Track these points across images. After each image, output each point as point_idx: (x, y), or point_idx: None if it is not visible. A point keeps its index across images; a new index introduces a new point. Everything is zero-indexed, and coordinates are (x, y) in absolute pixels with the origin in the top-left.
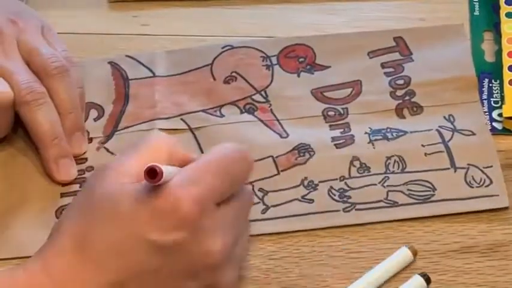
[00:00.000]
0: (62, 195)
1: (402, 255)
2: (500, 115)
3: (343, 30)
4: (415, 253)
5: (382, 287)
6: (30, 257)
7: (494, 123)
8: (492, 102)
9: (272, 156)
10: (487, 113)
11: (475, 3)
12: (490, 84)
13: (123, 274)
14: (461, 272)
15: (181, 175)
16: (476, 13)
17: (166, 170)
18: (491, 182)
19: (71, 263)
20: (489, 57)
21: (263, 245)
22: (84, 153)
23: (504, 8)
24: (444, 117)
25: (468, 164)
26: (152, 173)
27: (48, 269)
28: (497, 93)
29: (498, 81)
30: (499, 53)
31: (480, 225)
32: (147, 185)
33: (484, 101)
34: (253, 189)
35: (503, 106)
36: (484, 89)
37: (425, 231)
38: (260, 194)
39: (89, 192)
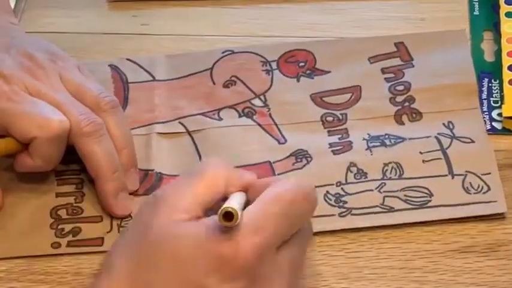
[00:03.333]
0: (57, 195)
1: None
2: (499, 115)
3: (343, 30)
4: None
5: None
6: (22, 257)
7: (493, 123)
8: (492, 101)
9: (269, 161)
10: (486, 113)
11: (474, 3)
12: (490, 84)
13: None
14: (461, 271)
15: (244, 222)
16: (476, 13)
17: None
18: (489, 188)
19: None
20: (489, 57)
21: None
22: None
23: (504, 8)
24: (443, 124)
25: (466, 171)
26: (228, 216)
27: None
28: (496, 92)
29: (498, 81)
30: (498, 53)
31: (480, 225)
32: (206, 227)
33: (483, 100)
34: None
35: (503, 106)
36: (483, 88)
37: (424, 230)
38: None
39: (142, 230)
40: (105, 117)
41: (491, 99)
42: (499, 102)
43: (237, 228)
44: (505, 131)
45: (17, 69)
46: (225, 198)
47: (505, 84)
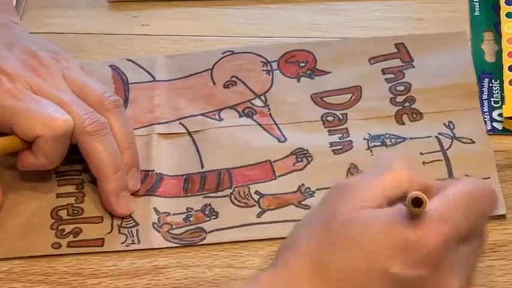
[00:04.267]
0: (58, 195)
1: None
2: (500, 115)
3: (343, 30)
4: None
5: None
6: (23, 257)
7: (494, 123)
8: (492, 102)
9: (270, 161)
10: (487, 113)
11: (475, 3)
12: (490, 84)
13: None
14: None
15: (432, 210)
16: (477, 13)
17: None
18: None
19: (307, 283)
20: (489, 57)
21: (263, 245)
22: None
23: (504, 8)
24: (444, 123)
25: (466, 175)
26: (417, 202)
27: (285, 281)
28: (497, 93)
29: (498, 82)
30: (499, 53)
31: None
32: (394, 214)
33: (484, 101)
34: (249, 191)
35: (504, 106)
36: (484, 89)
37: None
38: (256, 197)
39: (329, 213)
40: (109, 116)
41: (492, 99)
42: (500, 102)
43: (425, 216)
44: (505, 132)
45: (20, 67)
46: (404, 197)
47: (506, 85)
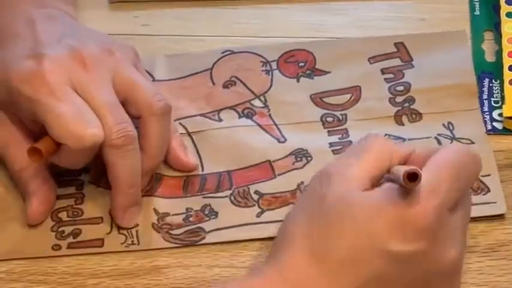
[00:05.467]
0: (58, 197)
1: None
2: (500, 115)
3: (344, 30)
4: None
5: None
6: (24, 258)
7: (494, 123)
8: (492, 102)
9: (269, 161)
10: (487, 113)
11: (475, 3)
12: (491, 84)
13: (360, 284)
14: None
15: (421, 182)
16: (477, 13)
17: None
18: (488, 190)
19: (308, 271)
20: (489, 57)
21: (263, 245)
22: None
23: (504, 8)
24: (443, 124)
25: None
26: (412, 177)
27: (285, 274)
28: (497, 93)
29: (498, 81)
30: (499, 53)
31: (480, 225)
32: (383, 192)
33: (484, 100)
34: (249, 191)
35: (504, 106)
36: (484, 88)
37: None
38: (256, 197)
39: (318, 198)
40: (152, 121)
41: (492, 99)
42: (500, 102)
43: (415, 192)
44: (505, 131)
45: (65, 56)
46: (387, 172)
47: (506, 85)
